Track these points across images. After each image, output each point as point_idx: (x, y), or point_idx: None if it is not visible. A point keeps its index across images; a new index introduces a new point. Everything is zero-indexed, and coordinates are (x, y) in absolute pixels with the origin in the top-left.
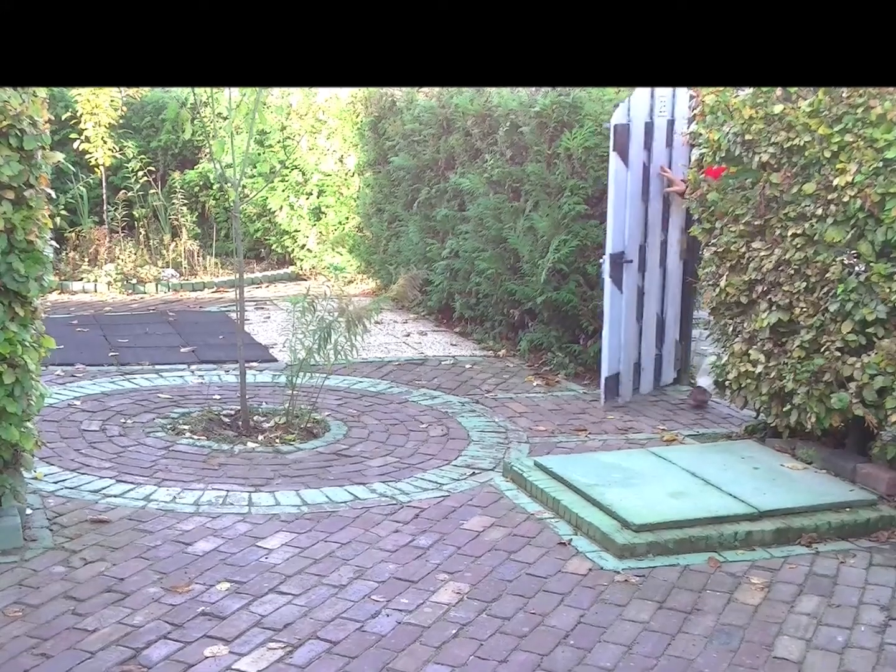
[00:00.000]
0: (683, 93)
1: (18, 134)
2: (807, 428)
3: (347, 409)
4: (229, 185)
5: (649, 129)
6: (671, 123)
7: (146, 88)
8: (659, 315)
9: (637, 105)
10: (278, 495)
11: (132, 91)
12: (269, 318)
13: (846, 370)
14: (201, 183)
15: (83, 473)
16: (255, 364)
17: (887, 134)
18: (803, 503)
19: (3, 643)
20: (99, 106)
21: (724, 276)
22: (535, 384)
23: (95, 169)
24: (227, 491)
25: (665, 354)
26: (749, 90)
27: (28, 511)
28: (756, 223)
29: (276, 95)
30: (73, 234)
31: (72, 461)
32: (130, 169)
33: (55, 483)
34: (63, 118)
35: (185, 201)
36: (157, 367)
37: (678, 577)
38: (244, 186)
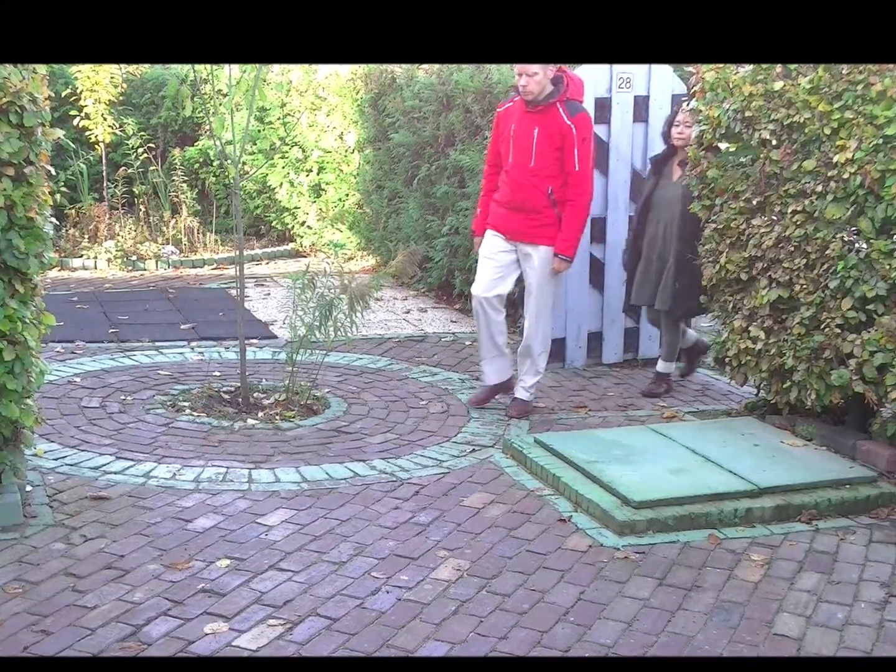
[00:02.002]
0: (661, 70)
1: (18, 111)
2: (807, 405)
3: (347, 385)
4: (229, 161)
5: (604, 104)
6: (644, 99)
7: (146, 65)
8: None
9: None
10: (278, 472)
11: (132, 68)
12: (269, 294)
13: (846, 347)
14: (201, 160)
15: (83, 450)
16: (255, 341)
17: (887, 111)
18: (803, 480)
19: (3, 620)
20: (99, 83)
21: (724, 253)
22: None
23: (95, 146)
24: (227, 468)
25: (644, 327)
26: (749, 67)
27: (28, 488)
28: (756, 200)
29: (275, 72)
30: (73, 210)
31: (72, 438)
32: (130, 146)
33: (55, 460)
34: (63, 95)
35: (185, 178)
36: (157, 343)
37: (678, 553)
38: (244, 163)
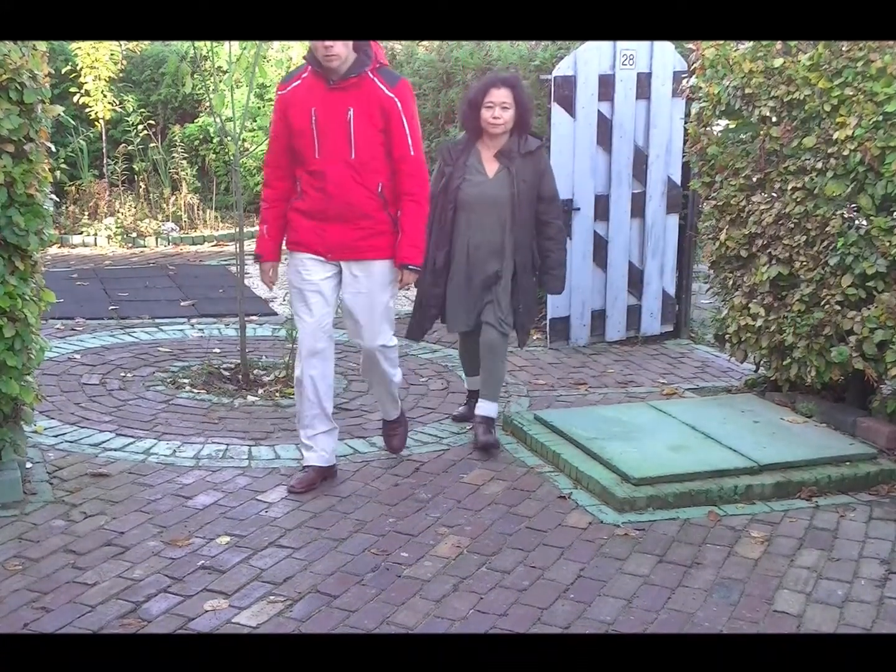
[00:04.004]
0: (663, 46)
1: (18, 87)
2: (807, 382)
3: (347, 362)
4: (229, 138)
5: (608, 81)
6: (646, 76)
7: (146, 42)
8: (636, 265)
9: (586, 58)
10: (278, 449)
11: (132, 44)
12: None
13: (846, 324)
14: (201, 136)
15: (83, 427)
16: (255, 318)
17: (887, 88)
18: (803, 457)
19: (3, 597)
20: (99, 59)
21: (724, 230)
22: (534, 338)
23: (95, 123)
24: (227, 444)
25: (646, 305)
26: (749, 44)
27: (28, 465)
28: (756, 177)
29: (276, 49)
30: (73, 187)
31: (72, 415)
32: (130, 122)
33: (55, 437)
34: (63, 72)
35: (185, 155)
36: (157, 320)
37: (678, 530)
38: (244, 140)
